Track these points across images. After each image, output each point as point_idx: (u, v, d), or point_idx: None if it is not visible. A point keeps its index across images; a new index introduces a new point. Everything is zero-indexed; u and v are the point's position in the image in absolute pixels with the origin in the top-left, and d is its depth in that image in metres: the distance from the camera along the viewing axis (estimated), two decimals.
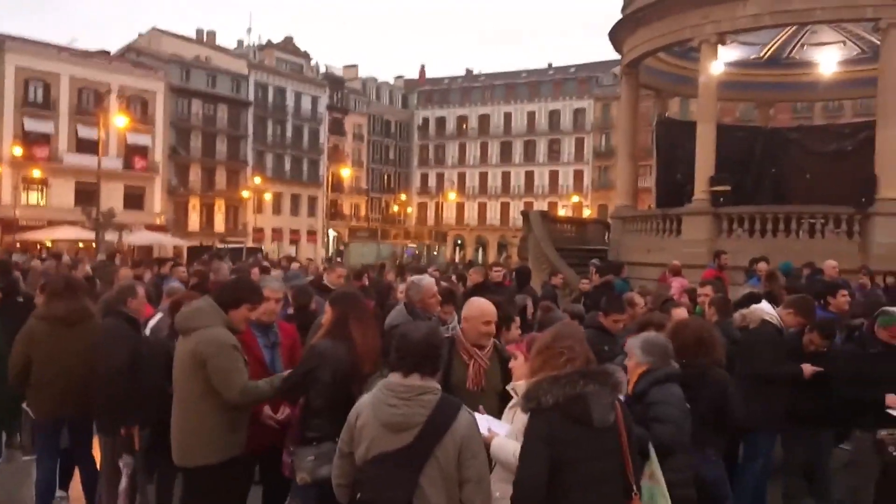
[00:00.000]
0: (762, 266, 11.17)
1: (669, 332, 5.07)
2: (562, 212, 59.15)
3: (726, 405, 4.91)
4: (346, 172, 69.85)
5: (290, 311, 6.88)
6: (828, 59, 20.56)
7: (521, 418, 3.55)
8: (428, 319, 5.87)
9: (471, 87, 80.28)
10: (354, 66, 79.46)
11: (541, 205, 62.50)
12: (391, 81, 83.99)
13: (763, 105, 24.43)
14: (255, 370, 4.58)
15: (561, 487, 3.23)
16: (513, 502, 3.29)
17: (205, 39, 67.45)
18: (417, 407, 3.19)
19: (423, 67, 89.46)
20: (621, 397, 3.49)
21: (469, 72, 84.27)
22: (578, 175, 72.35)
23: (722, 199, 16.78)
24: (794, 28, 18.92)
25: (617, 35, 20.58)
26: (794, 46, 20.57)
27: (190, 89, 58.91)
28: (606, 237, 23.01)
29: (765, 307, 6.56)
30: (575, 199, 69.58)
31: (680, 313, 6.55)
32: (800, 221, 16.30)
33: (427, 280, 6.37)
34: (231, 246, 41.22)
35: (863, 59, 19.72)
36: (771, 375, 6.08)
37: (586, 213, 62.83)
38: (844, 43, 19.90)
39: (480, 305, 4.78)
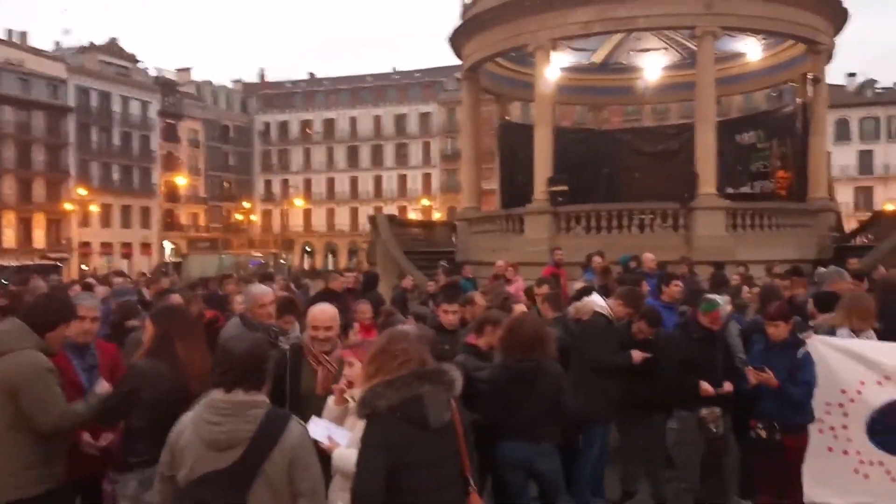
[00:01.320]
0: (597, 260, 11.58)
1: (506, 329, 5.16)
2: (412, 215, 59.60)
3: (560, 397, 5.06)
4: (181, 181, 66.31)
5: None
6: (652, 64, 21.92)
7: (360, 426, 3.49)
8: (266, 331, 5.65)
9: (314, 91, 79.08)
10: (188, 70, 76.20)
11: (390, 209, 62.58)
12: (229, 85, 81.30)
13: (596, 108, 25.68)
14: (70, 396, 4.22)
15: (402, 492, 3.19)
16: None
17: (15, 40, 62.14)
18: (242, 423, 3.05)
19: (262, 71, 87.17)
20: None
21: (312, 76, 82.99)
22: (427, 178, 73.14)
23: (560, 199, 17.46)
24: (622, 35, 20.02)
25: (457, 40, 20.95)
26: (621, 52, 21.75)
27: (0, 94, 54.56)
28: (454, 239, 23.35)
29: (595, 299, 6.80)
30: (424, 202, 70.27)
31: (520, 310, 6.67)
32: (631, 217, 17.23)
33: (258, 289, 6.13)
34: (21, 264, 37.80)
35: (683, 64, 21.14)
36: (603, 365, 6.32)
37: (436, 215, 63.55)
38: (667, 49, 21.27)
39: (316, 312, 4.72)
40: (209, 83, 77.88)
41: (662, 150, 22.29)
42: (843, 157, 65.20)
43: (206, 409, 3.10)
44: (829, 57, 19.80)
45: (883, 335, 6.30)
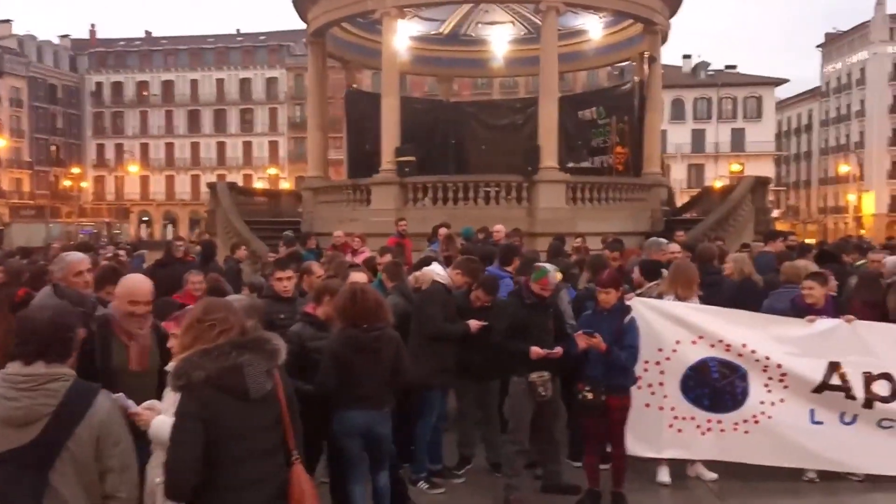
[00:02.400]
0: (442, 231, 11.83)
1: (346, 298, 5.05)
2: (258, 184, 57.75)
3: (400, 365, 5.10)
4: (1, 143, 61.07)
5: None
6: (499, 37, 22.21)
7: (175, 398, 3.28)
8: (80, 301, 5.20)
9: (151, 50, 74.41)
10: (8, 22, 70.00)
11: (235, 177, 60.51)
12: (55, 41, 75.09)
13: (444, 80, 25.71)
14: None
15: (223, 464, 3.07)
16: (165, 485, 3.07)
17: None
18: (42, 397, 2.82)
19: (93, 27, 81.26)
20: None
21: (149, 34, 78.08)
22: (273, 146, 71.13)
23: (407, 170, 17.42)
24: (470, 6, 20.10)
25: (301, 3, 20.28)
26: (469, 24, 21.87)
27: None
28: (300, 209, 22.82)
29: (435, 268, 6.84)
30: (272, 171, 68.36)
31: (359, 277, 6.55)
32: (477, 190, 17.45)
33: (72, 255, 5.63)
34: None
35: (530, 38, 21.51)
36: (441, 333, 6.35)
37: (284, 185, 62.01)
38: (514, 23, 21.60)
39: (127, 283, 4.44)
40: (33, 38, 71.67)
41: (508, 123, 22.71)
42: (678, 136, 69.56)
43: (2, 384, 2.84)
44: (664, 37, 20.84)
45: (704, 301, 6.72)
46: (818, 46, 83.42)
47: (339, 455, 5.18)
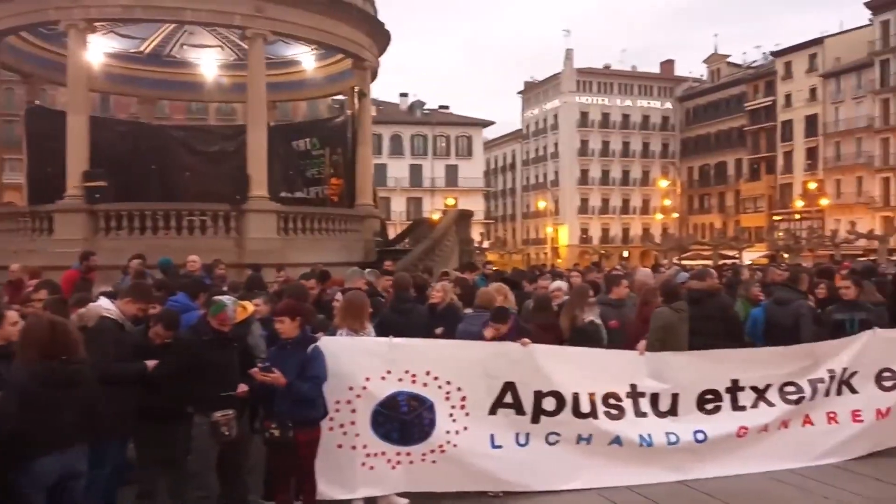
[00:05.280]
0: (133, 263, 11.16)
1: (44, 328, 4.50)
2: None
3: (96, 402, 4.77)
4: None
5: None
6: (208, 61, 21.30)
7: None
8: None
9: None
10: None
11: None
12: None
13: (147, 101, 23.94)
14: None
15: None
16: None
17: None
18: None
19: None
20: None
21: None
22: None
23: (98, 195, 15.84)
24: (173, 26, 19.02)
25: None
26: (174, 45, 20.71)
27: None
28: None
29: (103, 303, 6.14)
30: None
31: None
32: (180, 219, 16.39)
33: None
34: None
35: (240, 64, 20.83)
36: (112, 375, 5.64)
37: None
38: (222, 47, 20.82)
39: None
40: None
41: (218, 150, 21.75)
42: (398, 170, 72.38)
43: None
44: (374, 74, 21.37)
45: (400, 327, 6.72)
46: (519, 93, 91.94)
47: None
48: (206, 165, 21.06)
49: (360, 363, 6.23)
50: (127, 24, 17.72)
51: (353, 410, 6.20)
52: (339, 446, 6.15)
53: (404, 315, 7.73)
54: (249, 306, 6.70)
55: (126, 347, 5.93)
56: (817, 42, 65.06)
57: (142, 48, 20.55)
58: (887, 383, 7.48)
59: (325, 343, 6.02)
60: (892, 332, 7.65)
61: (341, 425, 6.16)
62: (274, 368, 5.49)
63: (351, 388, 6.18)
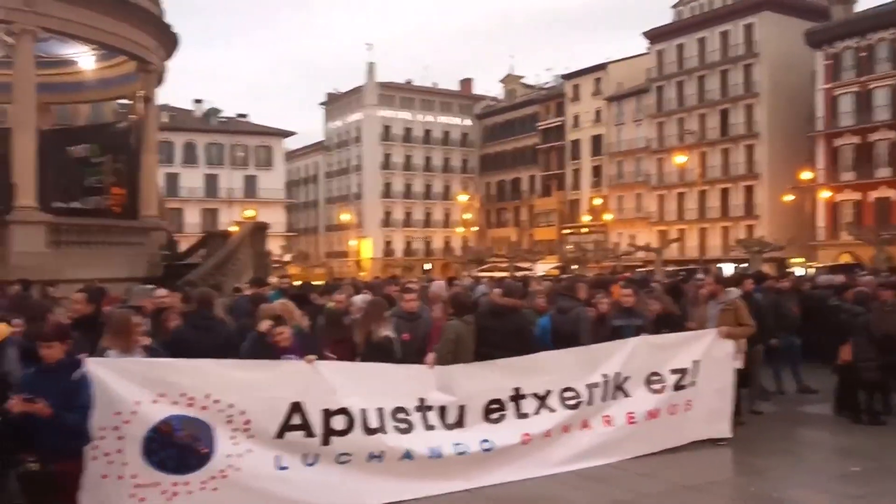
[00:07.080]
0: None
1: None
2: None
3: None
4: None
5: None
6: None
7: None
8: None
9: None
10: None
11: None
12: None
13: None
14: None
15: None
16: None
17: None
18: None
19: None
20: None
21: None
22: None
23: None
24: None
25: None
26: None
27: None
28: None
29: None
30: None
31: None
32: None
33: None
34: None
35: (7, 62, 18.93)
36: None
37: None
38: None
39: None
40: None
41: None
42: (191, 180, 69.20)
43: None
44: (160, 78, 20.22)
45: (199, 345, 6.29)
46: (322, 104, 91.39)
47: None
48: None
49: (129, 386, 5.74)
50: None
51: (121, 437, 5.69)
52: (104, 476, 5.63)
53: (204, 332, 7.25)
54: (5, 328, 6.02)
55: None
56: (601, 67, 70.43)
57: None
58: (656, 386, 8.08)
59: (90, 365, 5.50)
60: (659, 337, 8.29)
61: (106, 454, 5.64)
62: (37, 398, 4.91)
63: (118, 413, 5.68)
